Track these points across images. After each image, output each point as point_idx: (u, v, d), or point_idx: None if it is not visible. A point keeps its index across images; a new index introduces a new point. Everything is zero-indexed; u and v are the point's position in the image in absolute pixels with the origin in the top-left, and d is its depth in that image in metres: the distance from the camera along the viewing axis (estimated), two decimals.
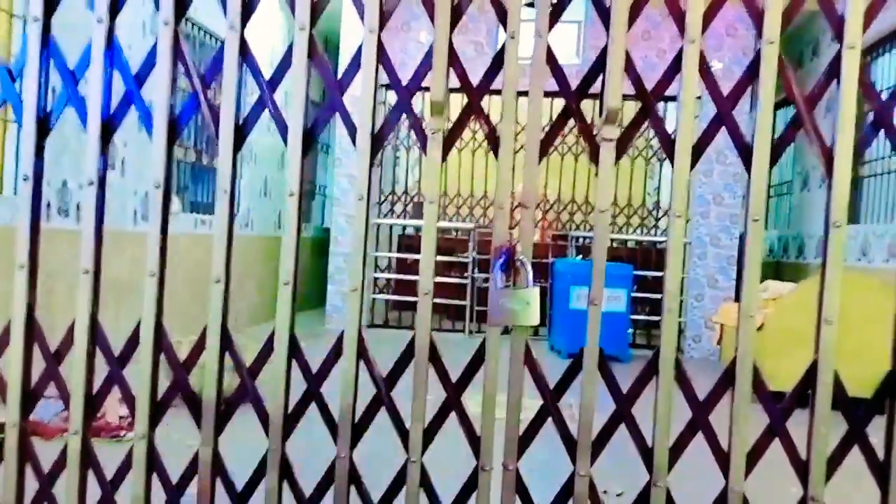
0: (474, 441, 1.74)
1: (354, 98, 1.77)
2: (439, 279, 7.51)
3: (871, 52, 6.71)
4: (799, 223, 8.42)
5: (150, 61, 1.84)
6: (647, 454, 1.70)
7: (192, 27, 6.03)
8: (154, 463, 1.86)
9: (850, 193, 1.63)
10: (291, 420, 1.81)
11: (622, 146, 1.71)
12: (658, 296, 7.64)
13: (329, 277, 7.81)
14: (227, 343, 1.83)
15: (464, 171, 8.16)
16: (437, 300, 7.54)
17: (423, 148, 1.77)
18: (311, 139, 1.83)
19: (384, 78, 1.81)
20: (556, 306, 7.04)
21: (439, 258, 7.94)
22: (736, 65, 7.16)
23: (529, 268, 1.69)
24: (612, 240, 7.99)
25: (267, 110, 1.82)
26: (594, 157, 1.71)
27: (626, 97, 1.69)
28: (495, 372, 1.71)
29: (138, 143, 5.30)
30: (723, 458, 1.67)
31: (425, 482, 1.76)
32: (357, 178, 1.79)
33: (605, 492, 1.71)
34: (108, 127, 1.87)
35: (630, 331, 7.19)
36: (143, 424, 1.85)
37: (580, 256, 7.68)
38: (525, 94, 1.71)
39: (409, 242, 8.27)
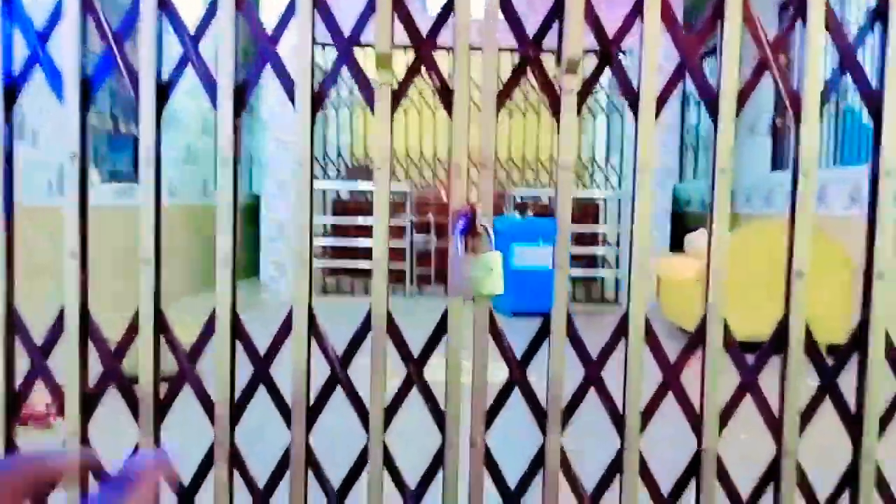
0: (439, 416, 1.65)
1: (283, 57, 1.61)
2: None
3: None
4: None
5: (56, 16, 1.63)
6: (618, 419, 1.64)
7: None
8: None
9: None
10: (239, 406, 1.68)
11: (582, 98, 1.61)
12: (594, 250, 7.70)
13: (262, 246, 7.56)
14: (161, 326, 1.67)
15: (398, 130, 7.97)
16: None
17: (371, 105, 1.63)
18: (243, 99, 1.66)
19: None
20: None
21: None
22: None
23: (491, 232, 1.58)
24: (544, 196, 7.98)
25: (191, 68, 1.64)
26: (555, 111, 1.60)
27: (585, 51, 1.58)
28: (458, 344, 1.61)
29: (53, 111, 4.92)
30: (695, 419, 1.63)
31: (388, 462, 1.66)
32: (297, 143, 1.64)
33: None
34: (11, 93, 1.66)
35: (569, 287, 7.23)
36: (73, 420, 1.68)
37: (519, 214, 7.65)
38: (478, 50, 1.59)
39: (344, 206, 8.07)
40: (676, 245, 7.45)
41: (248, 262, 8.27)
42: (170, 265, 6.74)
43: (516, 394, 1.64)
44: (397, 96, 1.63)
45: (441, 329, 1.63)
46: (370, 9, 1.58)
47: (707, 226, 1.64)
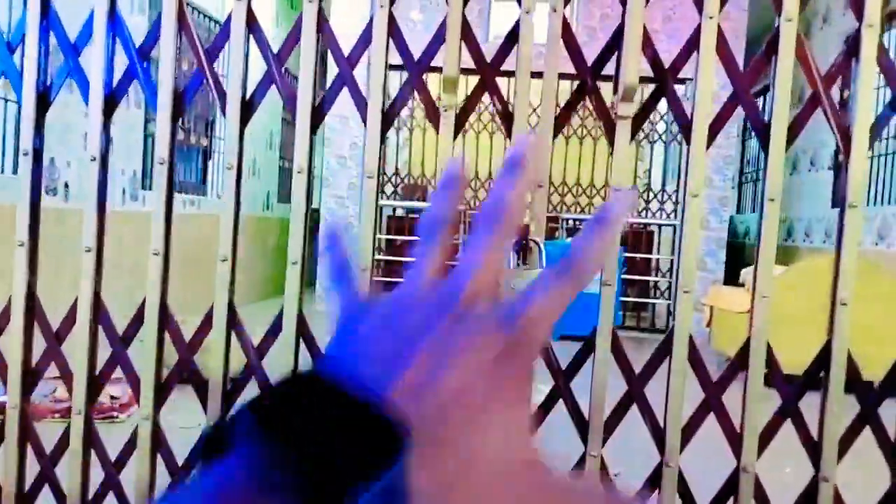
0: None
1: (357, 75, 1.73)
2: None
3: (888, 22, 6.71)
4: (787, 206, 8.46)
5: (154, 34, 1.79)
6: (658, 434, 1.69)
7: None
8: (159, 445, 1.83)
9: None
10: None
11: (637, 124, 1.69)
12: (647, 278, 7.67)
13: (320, 259, 7.76)
14: (233, 321, 1.79)
15: (455, 152, 8.11)
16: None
17: (436, 126, 1.74)
18: (320, 116, 1.79)
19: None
20: None
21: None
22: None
23: (543, 248, 1.67)
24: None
25: (274, 85, 1.78)
26: (609, 137, 1.69)
27: (642, 79, 1.66)
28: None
29: (127, 121, 5.21)
30: (735, 439, 1.67)
31: None
32: (368, 157, 1.76)
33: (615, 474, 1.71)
34: (111, 102, 1.82)
35: (619, 312, 7.22)
36: (147, 405, 1.82)
37: (571, 239, 7.68)
38: (538, 75, 1.68)
39: (399, 224, 8.23)
40: (734, 276, 7.37)
41: (305, 274, 8.50)
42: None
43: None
44: (461, 119, 1.74)
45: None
46: (440, 35, 1.69)
47: (755, 255, 1.69)
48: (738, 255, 8.65)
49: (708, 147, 1.67)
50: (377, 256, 7.76)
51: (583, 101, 1.72)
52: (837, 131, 1.62)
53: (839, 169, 6.23)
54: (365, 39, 1.74)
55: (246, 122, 1.79)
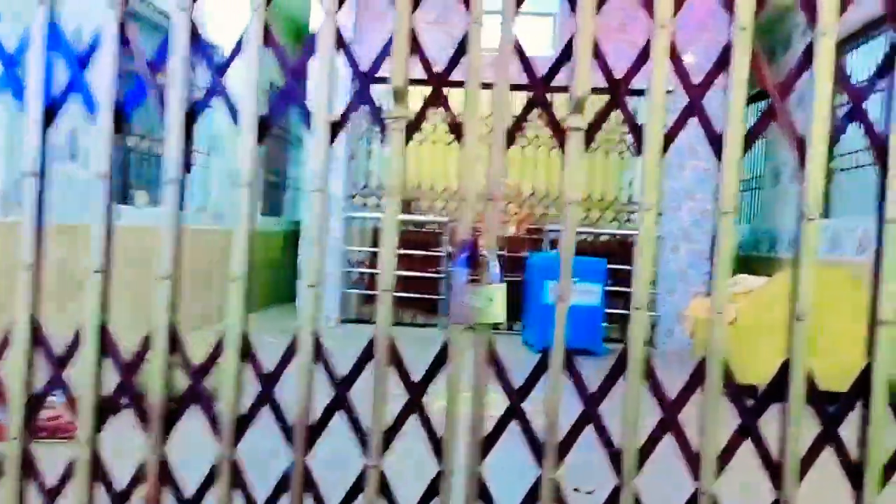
0: (436, 444, 1.67)
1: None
2: (413, 273, 7.42)
3: (844, 45, 6.72)
4: (771, 217, 8.44)
5: (95, 44, 1.74)
6: (615, 455, 1.64)
7: (148, 7, 5.82)
8: (98, 469, 1.76)
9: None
10: (244, 423, 1.72)
11: (590, 136, 1.64)
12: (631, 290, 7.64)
13: (300, 271, 7.70)
14: (175, 342, 1.73)
15: (437, 163, 8.07)
16: (411, 295, 7.49)
17: (385, 138, 1.69)
18: (267, 126, 1.73)
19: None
20: (530, 300, 6.99)
21: (414, 252, 7.86)
22: (708, 61, 7.15)
23: (495, 262, 1.61)
24: (587, 233, 7.95)
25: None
26: (562, 148, 1.64)
27: (595, 90, 1.62)
28: (458, 372, 1.64)
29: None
30: (693, 459, 1.62)
31: (384, 488, 1.69)
32: (314, 168, 1.70)
33: (576, 489, 1.64)
34: (50, 113, 1.77)
35: (604, 325, 7.16)
36: (86, 429, 1.75)
37: (555, 250, 7.64)
38: (489, 86, 1.64)
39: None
40: None
41: (291, 288, 8.43)
42: (211, 290, 6.92)
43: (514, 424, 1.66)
44: (411, 130, 1.69)
45: (441, 358, 1.66)
46: (388, 49, 1.65)
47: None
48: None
49: (662, 157, 1.62)
50: (362, 270, 7.73)
51: (530, 113, 1.67)
52: (793, 143, 1.57)
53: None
54: (310, 50, 1.69)
55: (188, 135, 1.73)
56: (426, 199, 8.49)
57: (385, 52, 1.68)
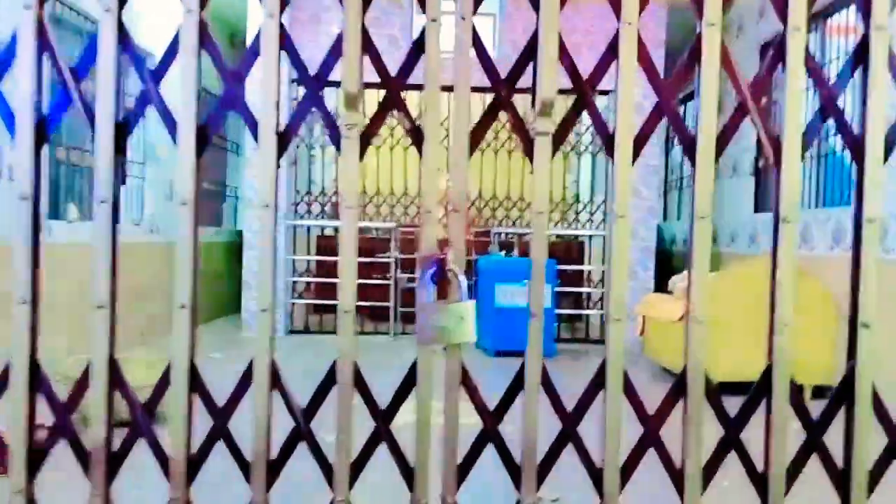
0: (408, 473, 1.56)
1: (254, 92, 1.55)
2: (361, 281, 7.26)
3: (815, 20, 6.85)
4: (720, 211, 8.59)
5: (9, 54, 1.57)
6: (596, 474, 1.56)
7: (69, 11, 5.51)
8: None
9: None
10: (196, 462, 1.58)
11: (558, 140, 1.55)
12: (580, 289, 7.65)
13: (244, 283, 7.45)
14: (115, 376, 1.58)
15: (383, 168, 7.94)
16: (360, 303, 7.33)
17: (337, 146, 1.57)
18: (206, 137, 1.59)
19: (294, 72, 1.60)
20: (481, 304, 6.93)
21: (360, 259, 7.69)
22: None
23: (463, 279, 1.51)
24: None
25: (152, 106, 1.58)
26: (528, 153, 1.55)
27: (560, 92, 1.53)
28: (428, 396, 1.53)
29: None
30: (676, 474, 1.55)
31: None
32: (261, 183, 1.57)
33: (540, 498, 1.55)
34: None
35: (554, 325, 7.15)
36: (19, 476, 1.58)
37: (503, 252, 7.59)
38: (448, 88, 1.54)
39: (328, 244, 7.98)
40: (663, 284, 7.41)
41: (234, 299, 8.16)
42: (149, 305, 6.63)
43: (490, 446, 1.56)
44: (366, 137, 1.58)
45: (411, 380, 1.55)
46: (338, 51, 1.53)
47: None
48: (666, 263, 8.73)
49: (634, 161, 1.55)
50: (292, 279, 7.52)
51: (496, 116, 1.57)
52: (767, 141, 1.52)
53: (760, 175, 6.31)
54: (253, 53, 1.56)
55: (120, 149, 1.57)
56: (371, 204, 8.36)
57: (334, 53, 1.56)
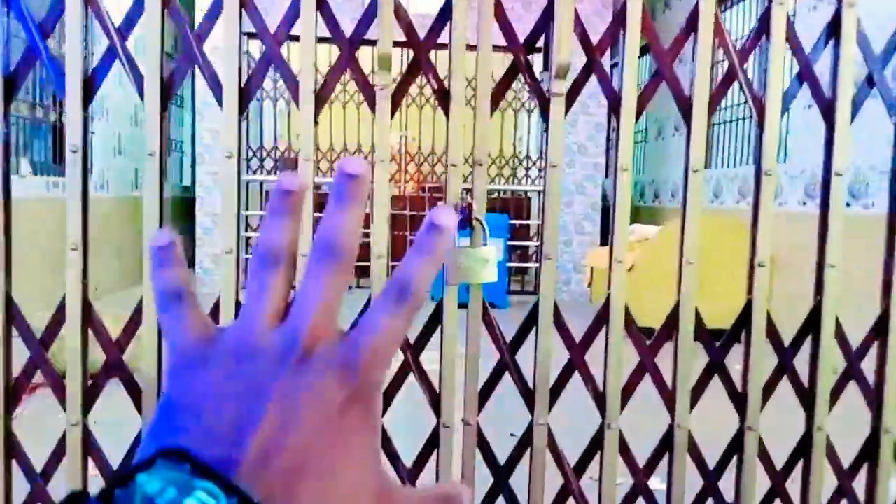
0: (435, 399, 1.73)
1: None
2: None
3: (724, 2, 7.16)
4: (654, 169, 8.95)
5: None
6: (600, 399, 1.76)
7: None
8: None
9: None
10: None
11: (570, 100, 1.72)
12: (527, 243, 7.92)
13: (197, 240, 7.43)
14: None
15: (324, 123, 7.93)
16: None
17: (371, 105, 1.70)
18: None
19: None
20: None
21: (316, 215, 7.67)
22: (596, 15, 7.42)
23: (486, 226, 1.68)
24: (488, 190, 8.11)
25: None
26: (544, 112, 1.71)
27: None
28: (455, 331, 1.71)
29: None
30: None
31: (384, 442, 1.74)
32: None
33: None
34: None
35: (506, 278, 7.41)
36: (75, 411, 1.68)
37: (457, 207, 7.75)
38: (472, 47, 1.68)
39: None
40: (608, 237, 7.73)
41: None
42: (99, 261, 6.56)
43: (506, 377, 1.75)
44: (398, 98, 1.70)
45: (437, 317, 1.72)
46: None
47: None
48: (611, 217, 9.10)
49: (637, 119, 1.72)
50: (247, 234, 7.52)
51: (514, 77, 1.72)
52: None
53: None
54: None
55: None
56: (325, 160, 8.37)
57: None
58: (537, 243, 7.87)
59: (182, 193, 8.69)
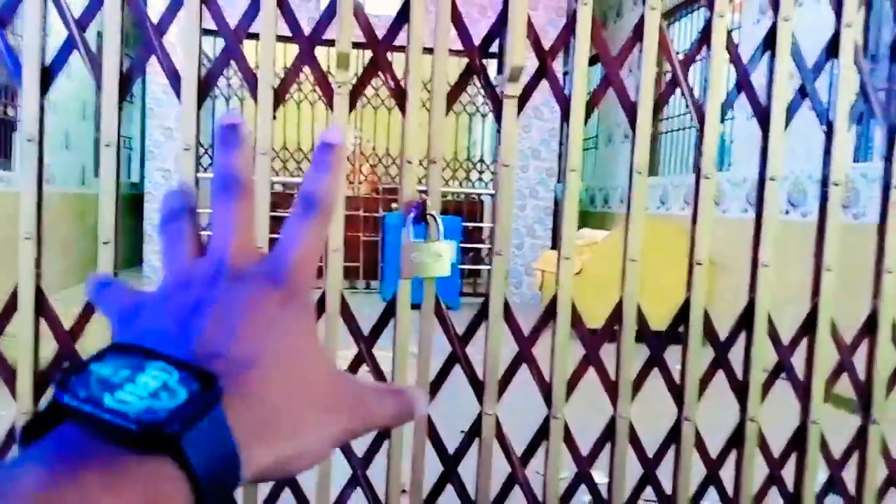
0: None
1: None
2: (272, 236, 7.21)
3: (671, 16, 7.36)
4: (604, 175, 9.13)
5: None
6: (546, 390, 1.82)
7: None
8: None
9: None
10: None
11: (523, 103, 1.78)
12: (480, 246, 8.00)
13: (146, 237, 7.31)
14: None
15: (290, 124, 7.89)
16: None
17: (329, 103, 1.74)
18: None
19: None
20: (387, 258, 7.16)
21: (272, 214, 7.57)
22: (550, 25, 7.56)
23: (440, 221, 1.73)
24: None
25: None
26: (497, 114, 1.77)
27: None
28: (408, 325, 1.75)
29: None
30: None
31: None
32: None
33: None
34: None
35: (459, 280, 7.48)
36: (25, 399, 1.68)
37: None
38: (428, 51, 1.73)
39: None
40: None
41: (127, 254, 7.96)
42: (47, 256, 6.38)
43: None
44: (355, 95, 1.75)
45: (390, 309, 1.77)
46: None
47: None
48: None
49: (586, 121, 1.79)
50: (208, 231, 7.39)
51: (470, 80, 1.78)
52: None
53: (652, 141, 6.70)
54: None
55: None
56: (277, 159, 8.30)
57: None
58: (489, 246, 7.95)
59: (129, 190, 8.53)
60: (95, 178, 7.97)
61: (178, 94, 1.66)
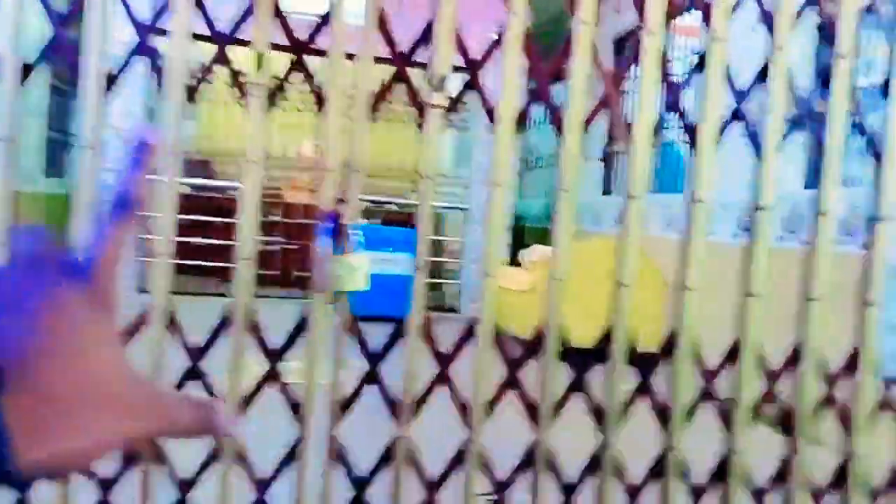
0: (295, 410, 1.69)
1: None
2: (216, 242, 7.04)
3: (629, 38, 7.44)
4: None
5: None
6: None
7: None
8: None
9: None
10: None
11: (450, 112, 1.73)
12: (439, 259, 7.94)
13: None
14: None
15: (233, 126, 7.72)
16: (214, 263, 7.13)
17: (247, 104, 1.66)
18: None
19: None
20: None
21: (214, 219, 7.44)
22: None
23: (354, 233, 1.66)
24: (398, 205, 8.11)
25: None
26: (420, 123, 1.71)
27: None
28: (320, 339, 1.67)
29: None
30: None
31: (241, 455, 1.68)
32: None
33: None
34: None
35: None
36: None
37: (364, 220, 7.70)
38: (351, 56, 1.67)
39: (185, 203, 7.70)
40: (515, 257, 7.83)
41: None
42: None
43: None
44: (273, 97, 1.67)
45: (301, 326, 1.69)
46: (248, 10, 1.61)
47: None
48: (519, 238, 9.23)
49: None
50: (156, 237, 7.20)
51: (392, 88, 1.72)
52: (623, 128, 1.77)
53: (609, 160, 6.80)
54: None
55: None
56: (221, 163, 8.15)
57: (242, 16, 1.64)
58: (447, 260, 7.90)
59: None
60: (46, 178, 7.77)
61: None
